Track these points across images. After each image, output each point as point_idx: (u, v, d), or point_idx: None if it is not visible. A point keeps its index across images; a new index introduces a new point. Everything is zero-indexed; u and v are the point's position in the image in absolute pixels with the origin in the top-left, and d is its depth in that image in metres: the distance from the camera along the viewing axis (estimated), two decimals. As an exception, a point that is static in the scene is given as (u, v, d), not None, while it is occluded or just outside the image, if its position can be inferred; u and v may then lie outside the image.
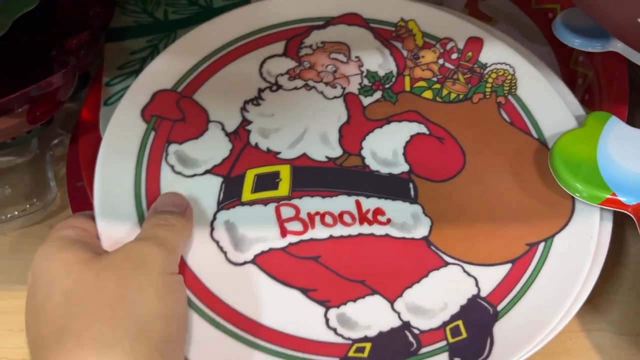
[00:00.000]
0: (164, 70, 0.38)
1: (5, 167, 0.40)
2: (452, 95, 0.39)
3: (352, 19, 0.41)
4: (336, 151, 0.36)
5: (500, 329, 0.29)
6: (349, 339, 0.29)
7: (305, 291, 0.31)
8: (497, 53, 0.40)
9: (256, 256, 0.32)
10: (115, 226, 0.31)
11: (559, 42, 0.35)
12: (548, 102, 0.38)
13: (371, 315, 0.30)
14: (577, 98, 0.37)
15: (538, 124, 0.37)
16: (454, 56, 0.40)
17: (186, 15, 0.44)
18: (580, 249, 0.31)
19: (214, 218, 0.33)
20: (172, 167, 0.34)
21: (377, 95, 0.38)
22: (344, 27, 0.41)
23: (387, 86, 0.39)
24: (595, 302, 0.35)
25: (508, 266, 0.32)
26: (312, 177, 0.35)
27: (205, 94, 0.37)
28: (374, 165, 0.35)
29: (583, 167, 0.29)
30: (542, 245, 0.32)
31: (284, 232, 0.32)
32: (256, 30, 0.40)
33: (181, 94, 0.37)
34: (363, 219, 0.33)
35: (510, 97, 0.38)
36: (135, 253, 0.27)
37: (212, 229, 0.32)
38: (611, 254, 0.31)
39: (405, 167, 0.35)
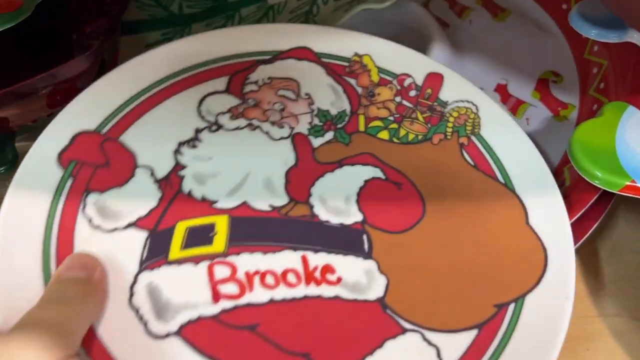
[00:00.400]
0: (88, 108, 0.33)
1: (22, 152, 0.37)
2: (411, 136, 0.35)
3: (302, 53, 0.37)
4: (281, 199, 0.31)
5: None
6: None
7: (240, 371, 0.25)
8: (458, 90, 0.36)
9: (182, 326, 0.26)
10: (15, 293, 0.26)
11: (573, 32, 0.35)
12: (514, 142, 0.34)
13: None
14: (592, 87, 0.37)
15: (504, 166, 0.33)
16: (412, 93, 0.36)
17: (201, 9, 0.42)
18: (554, 310, 0.27)
19: (135, 281, 0.28)
20: (90, 220, 0.29)
21: (329, 135, 0.34)
22: (294, 62, 0.37)
23: (339, 126, 0.35)
24: (610, 288, 0.36)
25: (474, 332, 0.27)
26: (253, 230, 0.30)
27: (135, 135, 0.33)
28: (323, 215, 0.31)
29: (602, 155, 0.29)
30: (512, 306, 0.28)
31: (216, 297, 0.27)
32: (195, 65, 0.36)
33: (106, 136, 0.32)
34: (310, 278, 0.28)
35: (473, 137, 0.35)
36: (4, 354, 0.21)
37: (132, 294, 0.27)
38: (624, 241, 0.33)
39: (358, 217, 0.31)
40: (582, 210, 0.32)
